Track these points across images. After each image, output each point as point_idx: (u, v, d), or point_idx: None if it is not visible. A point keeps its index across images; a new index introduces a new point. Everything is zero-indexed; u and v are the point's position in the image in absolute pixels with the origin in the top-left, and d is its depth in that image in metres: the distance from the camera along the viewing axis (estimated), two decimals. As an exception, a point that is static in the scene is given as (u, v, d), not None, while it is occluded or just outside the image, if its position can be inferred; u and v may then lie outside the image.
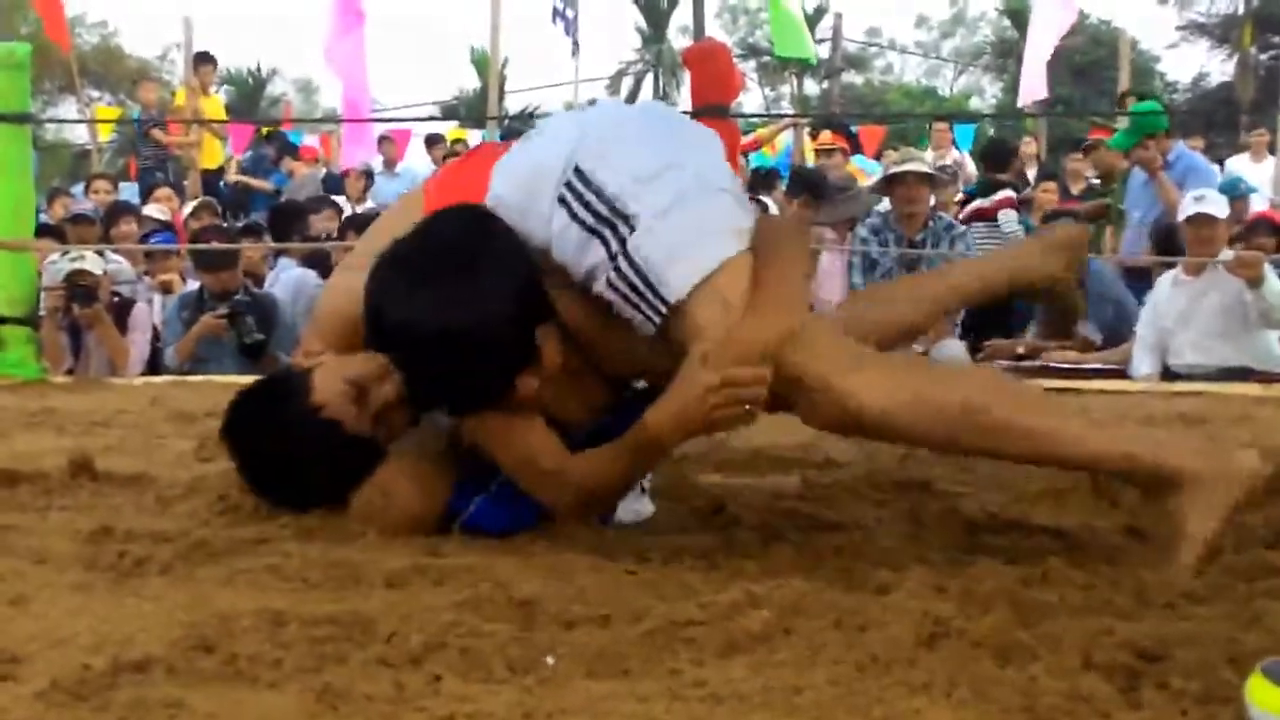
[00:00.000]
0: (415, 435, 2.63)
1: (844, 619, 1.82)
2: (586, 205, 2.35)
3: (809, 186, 8.60)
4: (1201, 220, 6.57)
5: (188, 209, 10.23)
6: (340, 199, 12.01)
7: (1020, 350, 7.18)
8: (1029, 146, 14.64)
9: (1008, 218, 8.57)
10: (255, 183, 13.61)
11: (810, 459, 3.50)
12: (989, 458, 2.53)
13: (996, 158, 10.32)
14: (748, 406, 2.30)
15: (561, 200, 2.36)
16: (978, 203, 8.77)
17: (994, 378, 2.53)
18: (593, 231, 2.34)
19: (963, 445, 2.35)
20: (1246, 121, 16.40)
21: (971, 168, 14.28)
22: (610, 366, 2.56)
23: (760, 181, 10.44)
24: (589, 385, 2.57)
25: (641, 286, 2.32)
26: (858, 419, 2.28)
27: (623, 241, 2.32)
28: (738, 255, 2.34)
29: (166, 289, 7.64)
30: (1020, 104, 14.43)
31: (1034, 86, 13.48)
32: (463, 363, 2.32)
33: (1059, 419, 2.29)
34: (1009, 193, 9.02)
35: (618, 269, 2.32)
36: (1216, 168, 10.51)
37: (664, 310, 2.32)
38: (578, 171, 2.36)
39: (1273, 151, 12.73)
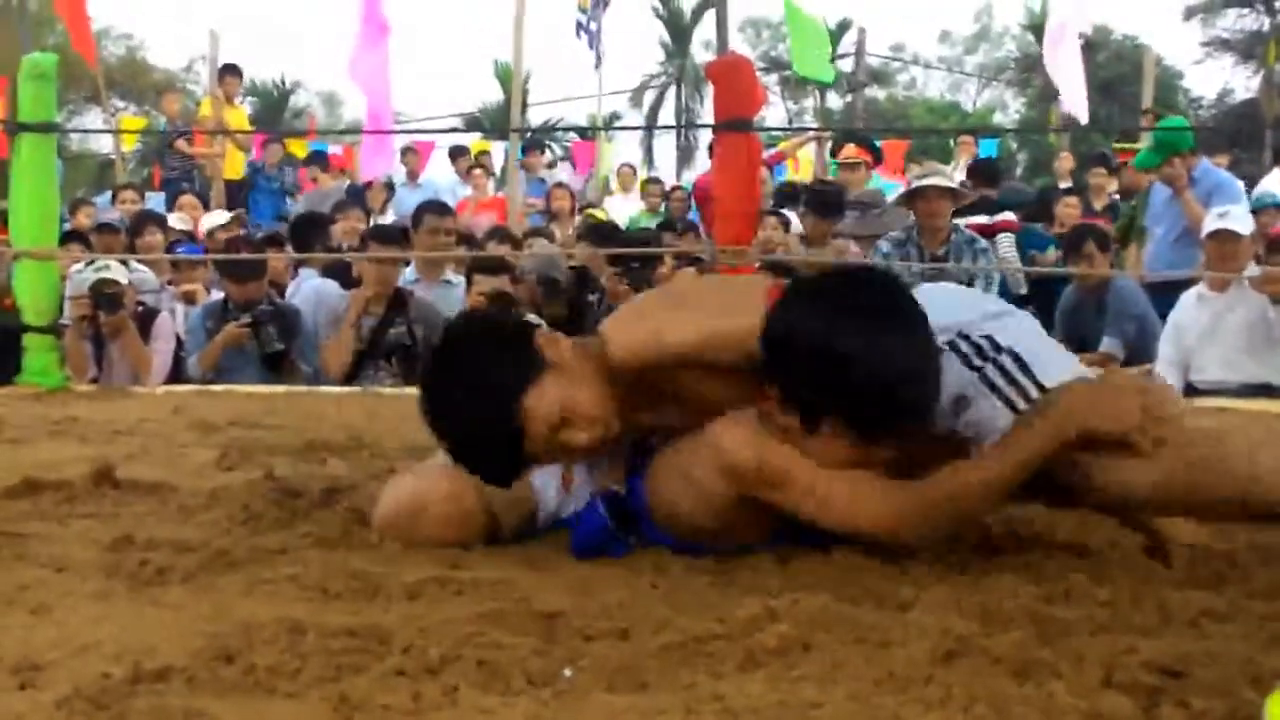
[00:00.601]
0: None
1: (863, 635, 1.82)
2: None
3: (822, 202, 8.61)
4: (1225, 236, 6.54)
5: (208, 219, 10.27)
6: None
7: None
8: (1064, 162, 14.61)
9: (1006, 242, 8.52)
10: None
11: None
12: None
13: (987, 174, 10.34)
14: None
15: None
16: (977, 219, 8.69)
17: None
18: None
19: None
20: (1273, 138, 16.32)
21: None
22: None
23: (786, 197, 10.45)
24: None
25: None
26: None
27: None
28: None
29: (190, 299, 7.66)
30: (1063, 116, 14.34)
31: (1075, 105, 13.40)
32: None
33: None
34: (1010, 215, 8.98)
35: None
36: (1242, 184, 10.46)
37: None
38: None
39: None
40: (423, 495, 2.56)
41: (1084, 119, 13.14)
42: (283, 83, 40.81)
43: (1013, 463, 2.32)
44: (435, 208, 7.76)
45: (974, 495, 2.35)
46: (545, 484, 2.63)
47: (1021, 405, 2.40)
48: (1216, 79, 55.05)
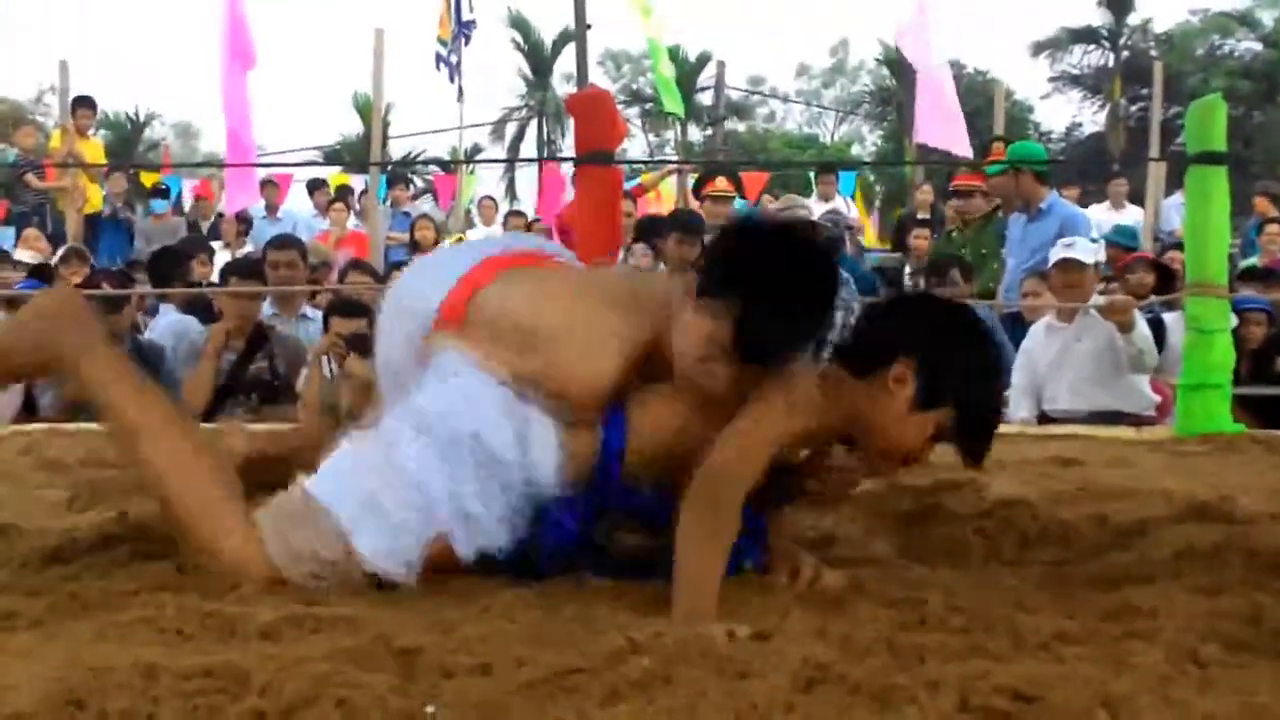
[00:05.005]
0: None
1: (724, 666, 1.82)
2: None
3: (687, 223, 8.65)
4: (1070, 266, 6.70)
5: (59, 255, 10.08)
6: (216, 244, 11.93)
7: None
8: (924, 194, 14.90)
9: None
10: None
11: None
12: None
13: None
14: None
15: None
16: None
17: None
18: None
19: None
20: (1116, 171, 16.82)
21: (854, 212, 14.50)
22: None
23: (646, 230, 10.48)
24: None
25: None
26: None
27: None
28: None
29: (40, 335, 7.48)
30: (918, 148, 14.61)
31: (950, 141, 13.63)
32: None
33: None
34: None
35: None
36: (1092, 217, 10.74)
37: None
38: None
39: (1139, 201, 13.09)
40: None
41: (964, 151, 13.39)
42: (137, 115, 40.12)
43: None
44: (278, 242, 7.68)
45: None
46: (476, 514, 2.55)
47: None
48: (1065, 113, 56.58)
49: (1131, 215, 13.69)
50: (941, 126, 13.34)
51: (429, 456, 2.52)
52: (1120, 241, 10.18)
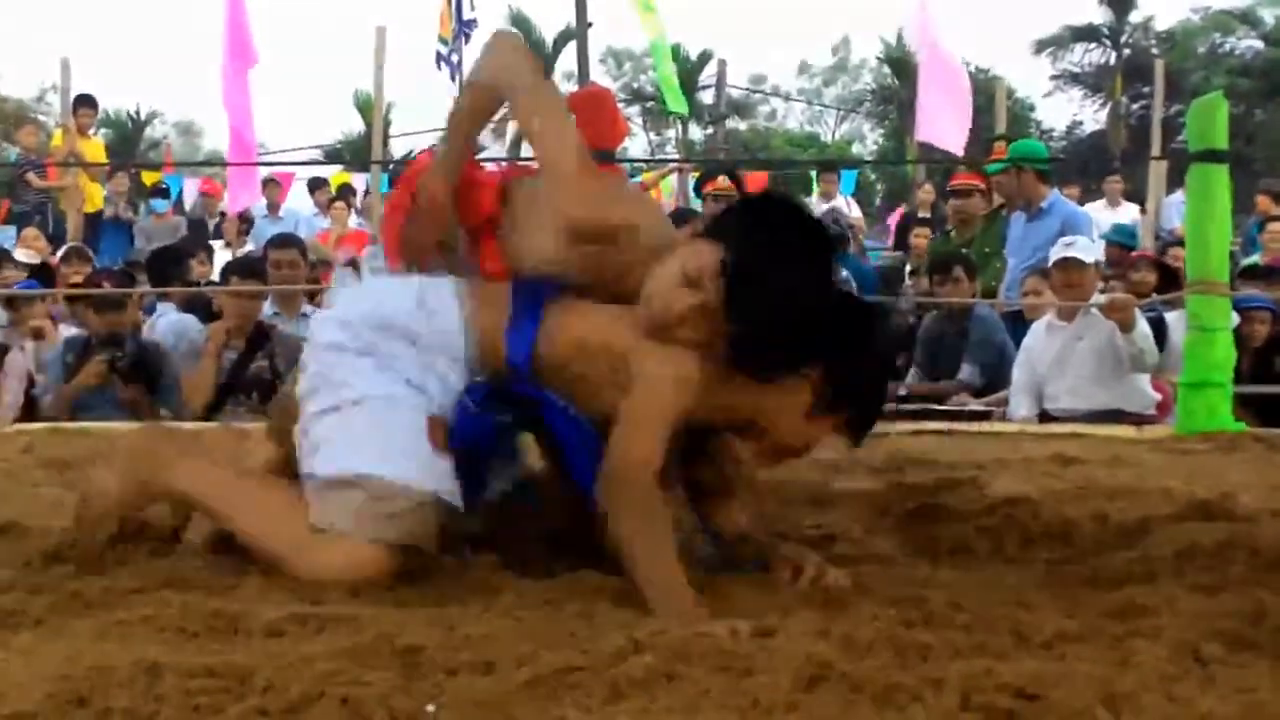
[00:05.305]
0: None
1: (727, 664, 1.82)
2: None
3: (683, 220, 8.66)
4: (1070, 265, 6.71)
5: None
6: (217, 243, 11.94)
7: (902, 391, 7.28)
8: (926, 194, 14.91)
9: None
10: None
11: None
12: None
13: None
14: None
15: None
16: None
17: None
18: None
19: None
20: (1116, 169, 16.83)
21: (856, 211, 14.50)
22: None
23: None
24: None
25: None
26: None
27: None
28: None
29: (39, 335, 7.47)
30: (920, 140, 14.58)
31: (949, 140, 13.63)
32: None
33: None
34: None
35: None
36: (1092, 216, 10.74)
37: None
38: None
39: (1139, 199, 13.09)
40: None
41: (956, 148, 13.38)
42: (138, 113, 40.13)
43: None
44: (278, 241, 7.68)
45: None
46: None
47: None
48: (1066, 111, 56.62)
49: (1128, 213, 13.71)
50: (947, 120, 13.31)
51: (368, 371, 2.57)
52: (1119, 241, 10.18)
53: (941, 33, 13.91)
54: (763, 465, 2.84)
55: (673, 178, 15.06)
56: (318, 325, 2.72)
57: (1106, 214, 13.41)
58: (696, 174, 12.19)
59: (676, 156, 30.91)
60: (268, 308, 7.17)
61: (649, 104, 40.01)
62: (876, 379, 2.73)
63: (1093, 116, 41.27)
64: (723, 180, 10.19)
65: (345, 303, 2.73)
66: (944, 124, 13.29)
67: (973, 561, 2.84)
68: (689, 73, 34.57)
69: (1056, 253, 6.79)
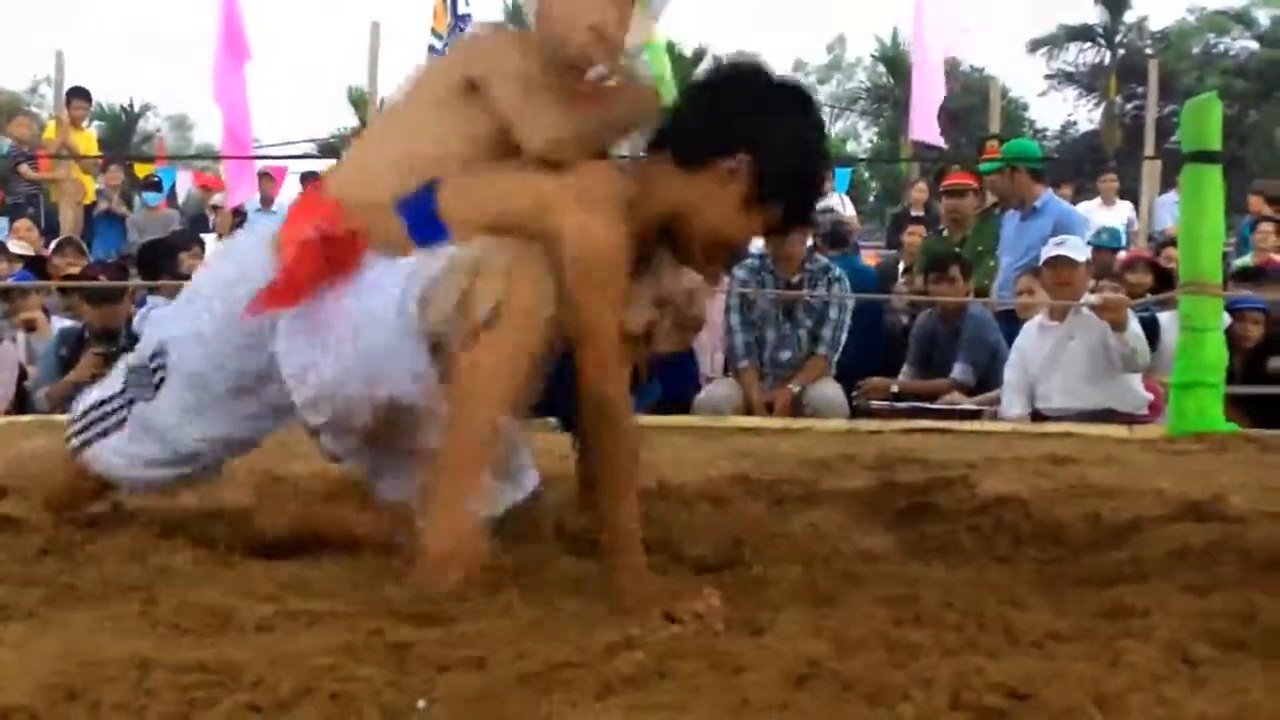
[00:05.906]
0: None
1: (718, 661, 1.83)
2: None
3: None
4: (1061, 264, 6.72)
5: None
6: (210, 236, 11.92)
7: (894, 389, 7.29)
8: (919, 192, 14.91)
9: None
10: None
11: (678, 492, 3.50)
12: None
13: (836, 239, 10.52)
14: None
15: None
16: None
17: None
18: None
19: None
20: (1110, 168, 16.84)
21: (850, 209, 14.50)
22: None
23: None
24: None
25: None
26: None
27: None
28: None
29: (30, 327, 7.46)
30: (915, 139, 14.60)
31: (925, 132, 13.70)
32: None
33: None
34: None
35: None
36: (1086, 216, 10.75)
37: None
38: None
39: (1135, 198, 13.10)
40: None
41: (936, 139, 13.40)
42: (131, 106, 40.05)
43: None
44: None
45: None
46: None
47: None
48: (1060, 111, 56.67)
49: (1122, 211, 13.72)
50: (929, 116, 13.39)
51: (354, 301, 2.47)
52: (1103, 244, 10.18)
53: (937, 36, 13.96)
54: (708, 269, 2.71)
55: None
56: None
57: (1101, 213, 13.42)
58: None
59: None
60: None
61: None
62: (810, 163, 2.60)
63: (1087, 116, 41.34)
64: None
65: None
66: (925, 116, 13.38)
67: (963, 560, 2.83)
68: (683, 70, 34.54)
69: (1047, 252, 6.81)
